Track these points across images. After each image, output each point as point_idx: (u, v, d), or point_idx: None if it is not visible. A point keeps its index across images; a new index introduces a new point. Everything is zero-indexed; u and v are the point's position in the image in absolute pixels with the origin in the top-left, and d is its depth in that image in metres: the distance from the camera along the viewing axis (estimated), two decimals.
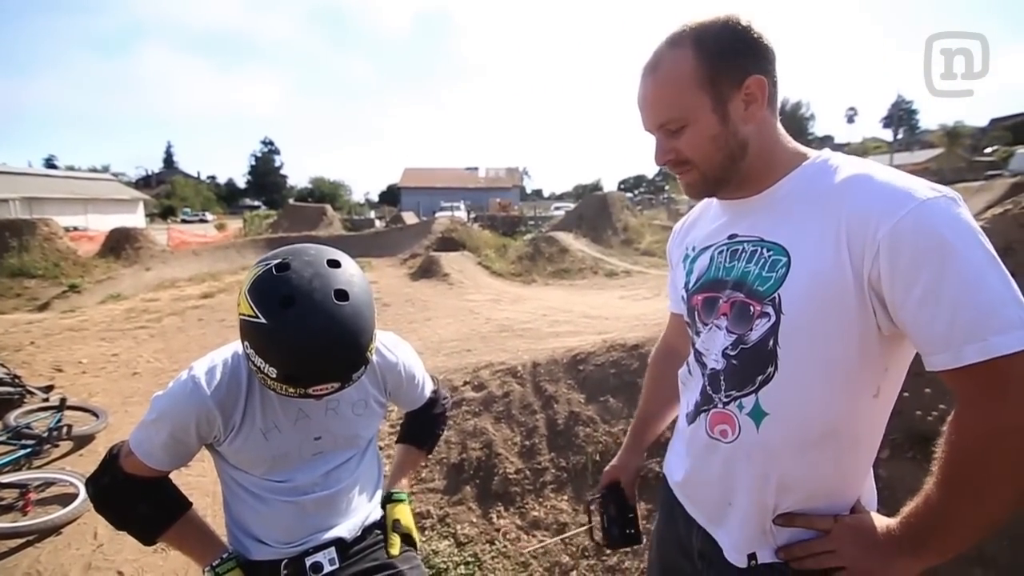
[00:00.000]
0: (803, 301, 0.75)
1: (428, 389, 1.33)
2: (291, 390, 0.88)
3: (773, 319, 0.78)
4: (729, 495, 0.86)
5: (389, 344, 1.21)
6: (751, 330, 0.80)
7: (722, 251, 0.88)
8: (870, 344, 0.74)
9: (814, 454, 0.79)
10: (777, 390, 0.79)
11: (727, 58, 0.77)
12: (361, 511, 1.18)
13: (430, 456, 2.67)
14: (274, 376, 0.86)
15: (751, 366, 0.81)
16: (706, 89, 0.78)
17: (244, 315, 0.87)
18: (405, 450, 1.39)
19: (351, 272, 0.91)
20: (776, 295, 0.77)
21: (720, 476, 0.87)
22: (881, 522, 0.78)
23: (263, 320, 0.83)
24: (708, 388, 0.87)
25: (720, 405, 0.85)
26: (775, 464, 0.80)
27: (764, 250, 0.81)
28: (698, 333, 0.91)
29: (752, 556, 0.84)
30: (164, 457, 1.01)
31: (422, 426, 1.38)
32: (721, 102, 0.78)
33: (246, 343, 0.88)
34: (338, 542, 1.11)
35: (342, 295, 0.86)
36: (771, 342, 0.78)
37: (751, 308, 0.80)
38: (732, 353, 0.83)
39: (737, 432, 0.83)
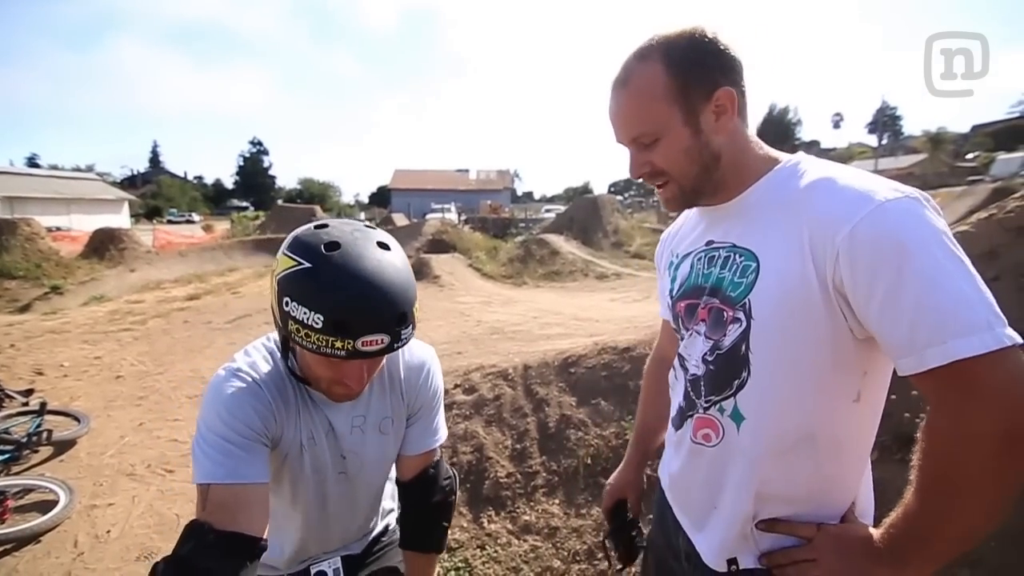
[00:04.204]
0: (771, 306, 0.75)
1: (442, 431, 1.14)
2: (338, 345, 0.77)
3: (744, 324, 0.78)
4: (714, 499, 0.86)
5: (416, 350, 1.10)
6: (725, 335, 0.81)
7: (700, 257, 0.89)
8: (844, 348, 0.73)
9: (791, 459, 0.79)
10: (752, 394, 0.79)
11: (696, 71, 0.78)
12: (372, 528, 1.17)
13: None
14: (319, 327, 0.76)
15: (727, 371, 0.81)
16: (677, 102, 0.78)
17: (285, 269, 0.80)
18: (412, 560, 1.13)
19: (388, 236, 0.90)
20: (747, 300, 0.78)
21: (705, 480, 0.87)
22: (866, 532, 0.76)
23: (307, 264, 0.79)
24: (691, 393, 0.88)
25: (702, 410, 0.86)
26: (755, 468, 0.80)
27: (736, 256, 0.82)
28: (682, 339, 0.93)
29: (733, 561, 0.84)
30: (249, 466, 0.85)
31: (423, 522, 1.11)
32: (692, 115, 0.79)
33: (286, 299, 0.79)
34: (343, 551, 1.11)
35: (384, 246, 0.85)
36: (743, 347, 0.79)
37: (725, 313, 0.81)
38: (710, 359, 0.84)
39: (721, 435, 0.83)
